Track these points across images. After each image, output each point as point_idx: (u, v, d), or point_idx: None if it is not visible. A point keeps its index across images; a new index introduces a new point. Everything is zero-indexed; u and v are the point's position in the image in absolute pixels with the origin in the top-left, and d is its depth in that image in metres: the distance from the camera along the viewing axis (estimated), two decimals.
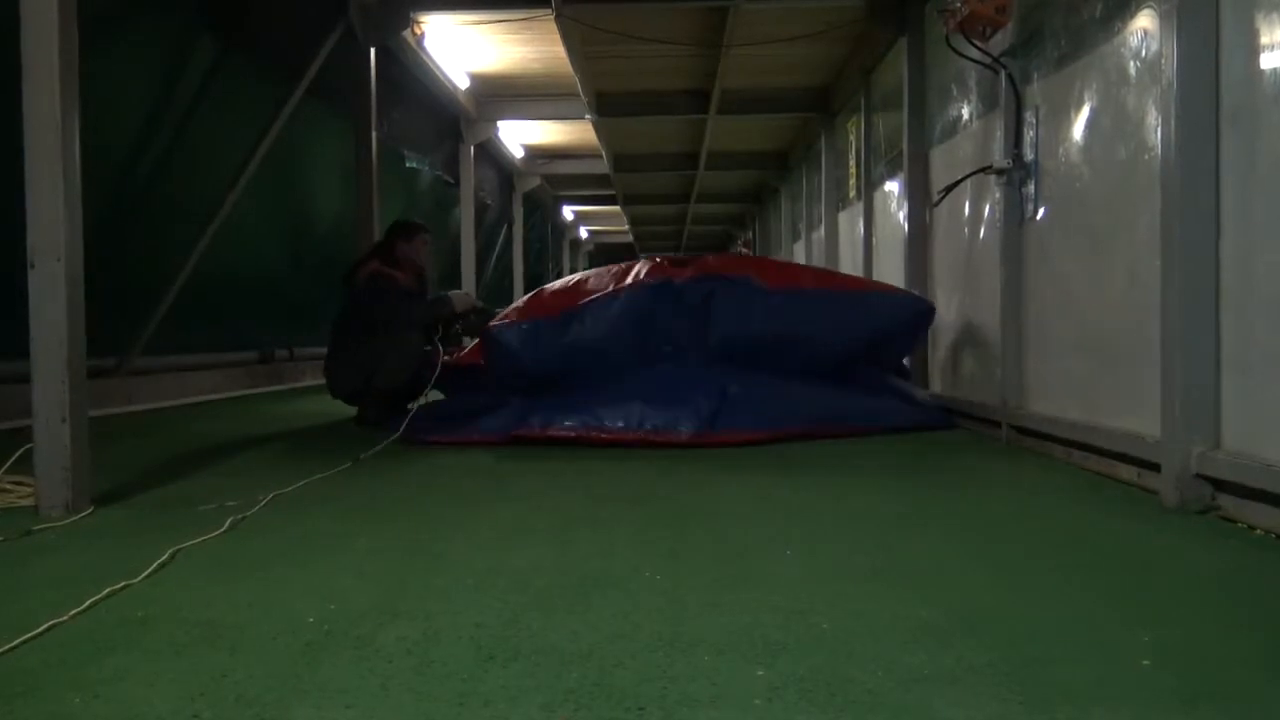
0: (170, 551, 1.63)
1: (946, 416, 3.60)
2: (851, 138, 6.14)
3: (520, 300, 3.51)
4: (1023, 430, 3.02)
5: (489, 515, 2.03)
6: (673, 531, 1.84)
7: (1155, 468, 2.09)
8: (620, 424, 3.03)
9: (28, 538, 1.79)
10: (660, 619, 1.29)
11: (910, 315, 3.65)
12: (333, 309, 4.00)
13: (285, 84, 4.86)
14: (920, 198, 4.26)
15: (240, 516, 1.93)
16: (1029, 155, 3.00)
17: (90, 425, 2.02)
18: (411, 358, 3.65)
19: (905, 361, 4.00)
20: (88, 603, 1.35)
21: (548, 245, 14.15)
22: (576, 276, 3.56)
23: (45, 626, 1.25)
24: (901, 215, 4.53)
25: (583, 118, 7.32)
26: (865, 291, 3.69)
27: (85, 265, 1.98)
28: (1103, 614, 1.32)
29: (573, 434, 3.04)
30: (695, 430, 3.00)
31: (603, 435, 3.02)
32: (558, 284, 3.55)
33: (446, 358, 3.69)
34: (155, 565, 1.55)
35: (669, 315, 3.24)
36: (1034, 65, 3.00)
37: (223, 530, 1.83)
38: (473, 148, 7.94)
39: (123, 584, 1.44)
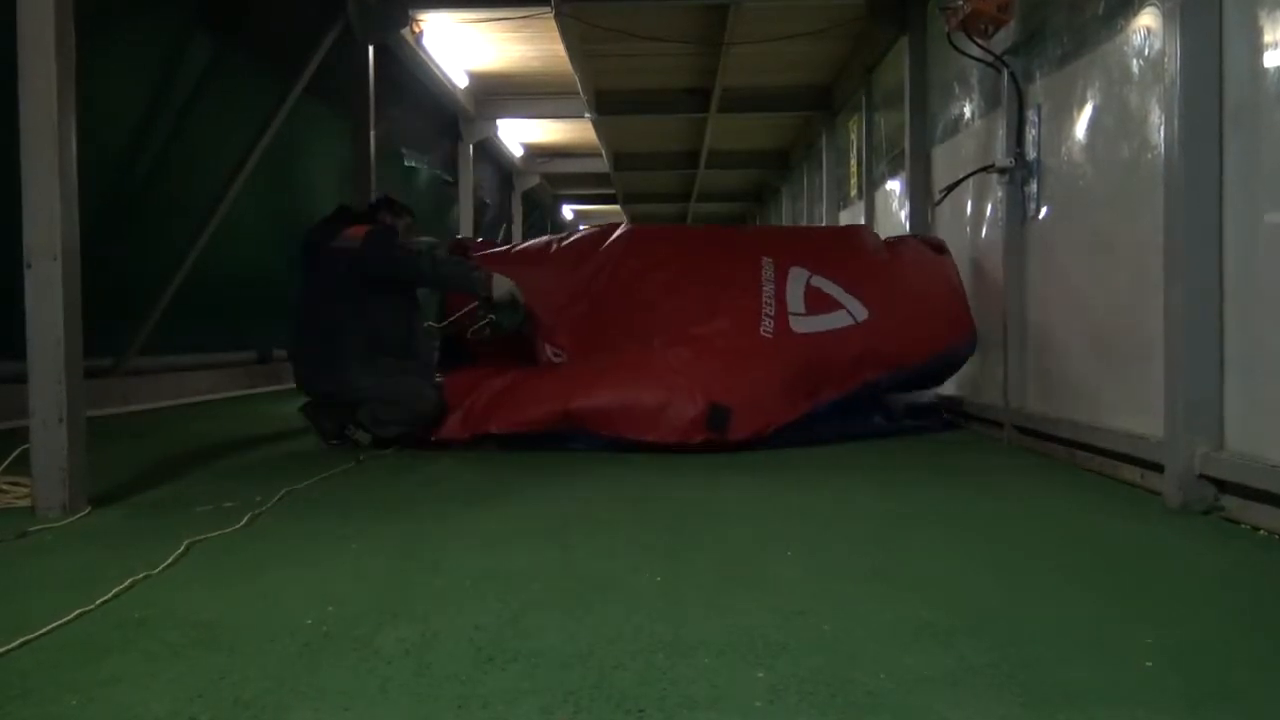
0: (168, 553, 1.63)
1: (948, 422, 3.56)
2: (853, 136, 6.13)
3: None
4: (1025, 430, 3.01)
5: (488, 516, 2.02)
6: (672, 532, 1.84)
7: (1158, 468, 2.08)
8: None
9: (24, 539, 1.78)
10: (660, 620, 1.28)
11: (945, 366, 3.43)
12: None
13: (283, 82, 4.85)
14: (922, 197, 4.25)
15: (243, 519, 1.92)
16: (1031, 154, 2.99)
17: (87, 426, 2.01)
18: (407, 395, 3.00)
19: None
20: (84, 604, 1.34)
21: None
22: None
23: (42, 629, 1.24)
24: (903, 214, 4.52)
25: (582, 116, 7.31)
26: (925, 359, 3.32)
27: (82, 265, 1.97)
28: (1105, 615, 1.32)
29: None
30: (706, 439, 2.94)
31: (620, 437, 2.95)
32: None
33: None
34: (153, 567, 1.54)
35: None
36: (1036, 63, 2.99)
37: (222, 532, 1.82)
38: (471, 146, 7.93)
39: (120, 585, 1.43)
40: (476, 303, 3.16)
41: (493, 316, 3.14)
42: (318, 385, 3.13)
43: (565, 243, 3.66)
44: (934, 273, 3.46)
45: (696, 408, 2.90)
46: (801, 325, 3.19)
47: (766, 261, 3.35)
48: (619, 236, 3.56)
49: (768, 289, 3.25)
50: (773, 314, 3.18)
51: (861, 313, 3.24)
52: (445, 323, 3.30)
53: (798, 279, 3.30)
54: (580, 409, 2.94)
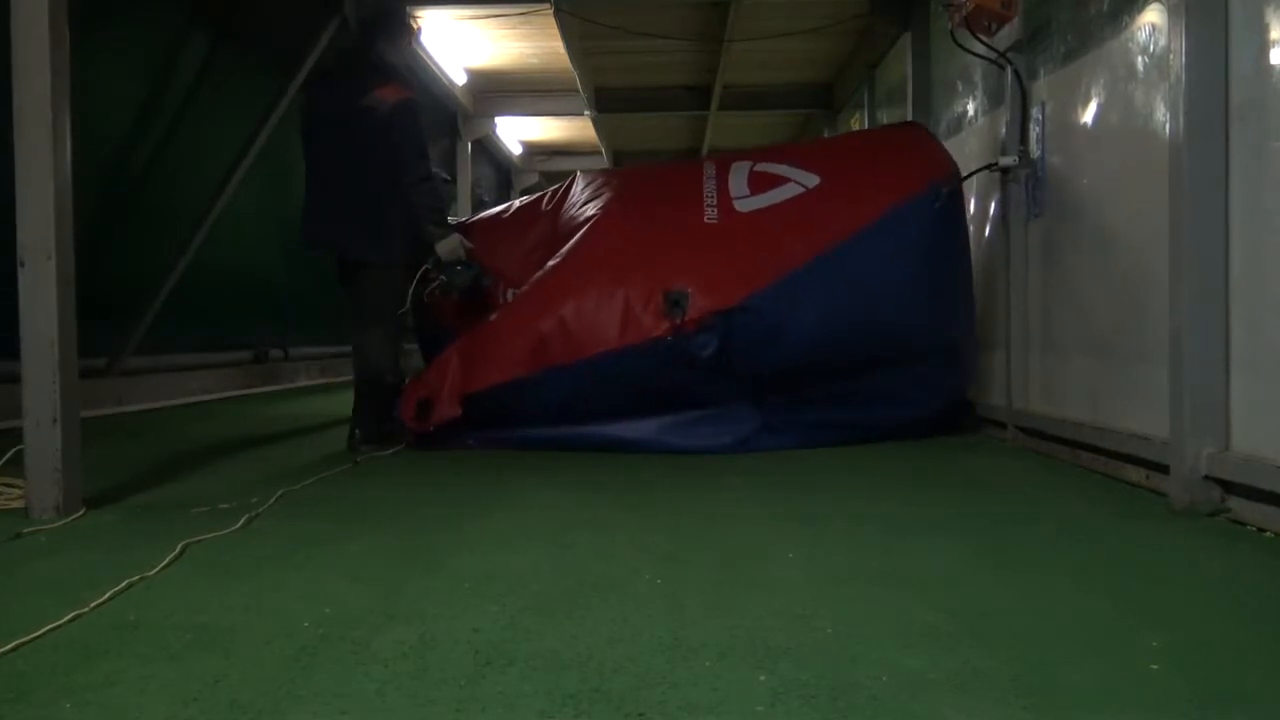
0: (164, 555, 1.61)
1: (965, 406, 3.39)
2: None
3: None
4: (1029, 431, 2.99)
5: (487, 518, 2.01)
6: (673, 534, 1.82)
7: (1164, 469, 2.06)
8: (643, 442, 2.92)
9: (18, 540, 1.77)
10: (660, 623, 1.27)
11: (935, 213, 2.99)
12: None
13: (280, 79, 4.83)
14: None
15: (240, 521, 1.91)
16: (1035, 152, 2.97)
17: (82, 426, 1.99)
18: (391, 331, 3.02)
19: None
20: (79, 607, 1.33)
21: None
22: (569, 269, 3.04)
23: (37, 632, 1.23)
24: None
25: (582, 114, 7.30)
26: (899, 203, 2.98)
27: (76, 263, 1.96)
28: (1110, 617, 1.31)
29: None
30: (726, 448, 2.90)
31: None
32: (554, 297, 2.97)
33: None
34: (149, 569, 1.53)
35: (683, 373, 2.86)
36: (1040, 61, 2.97)
37: (218, 534, 1.80)
38: (470, 144, 7.92)
39: (115, 587, 1.42)
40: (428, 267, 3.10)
41: (443, 277, 3.07)
42: (333, 246, 3.08)
43: (523, 203, 3.70)
44: (894, 136, 3.41)
45: (653, 300, 2.85)
46: (747, 205, 3.09)
47: (708, 165, 3.35)
48: (568, 182, 3.60)
49: (709, 185, 3.19)
50: (715, 203, 3.10)
51: (812, 180, 3.13)
52: (410, 297, 3.17)
53: (740, 170, 3.23)
54: (547, 331, 2.87)
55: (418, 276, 3.09)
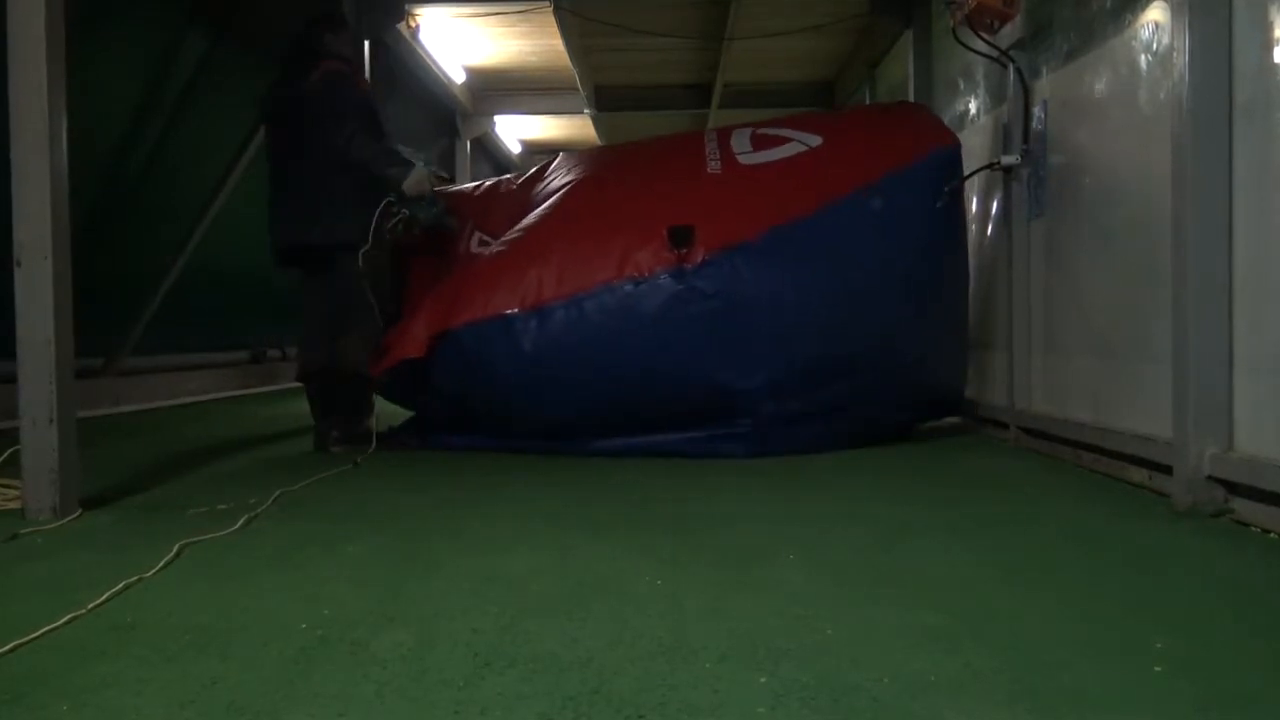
0: (161, 556, 1.61)
1: (966, 407, 3.39)
2: None
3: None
4: (1030, 431, 2.98)
5: (486, 519, 2.00)
6: (673, 535, 1.82)
7: (1167, 470, 2.06)
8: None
9: (14, 541, 1.76)
10: (660, 625, 1.27)
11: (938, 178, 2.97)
12: None
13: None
14: None
15: (238, 522, 1.90)
16: (1038, 150, 2.96)
17: (78, 427, 1.98)
18: (373, 318, 2.91)
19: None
20: (75, 608, 1.32)
21: None
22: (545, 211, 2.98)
23: (33, 633, 1.22)
24: None
25: (581, 112, 7.29)
26: (900, 166, 2.96)
27: (73, 263, 1.95)
28: (1113, 619, 1.30)
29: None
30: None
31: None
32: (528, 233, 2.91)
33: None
34: (145, 570, 1.52)
35: (684, 316, 2.70)
36: (1042, 59, 2.96)
37: (216, 535, 1.80)
38: (469, 143, 7.90)
39: (111, 589, 1.41)
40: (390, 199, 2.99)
41: (406, 211, 2.95)
42: (296, 238, 2.99)
43: (495, 180, 3.69)
44: (897, 109, 3.49)
45: (656, 238, 2.78)
46: (751, 159, 3.07)
47: (709, 132, 3.36)
48: (547, 161, 3.59)
49: (711, 146, 3.15)
50: (718, 158, 3.07)
51: (814, 140, 3.12)
52: (372, 235, 3.00)
53: (742, 134, 3.22)
54: (539, 273, 2.79)
55: (379, 211, 2.95)
